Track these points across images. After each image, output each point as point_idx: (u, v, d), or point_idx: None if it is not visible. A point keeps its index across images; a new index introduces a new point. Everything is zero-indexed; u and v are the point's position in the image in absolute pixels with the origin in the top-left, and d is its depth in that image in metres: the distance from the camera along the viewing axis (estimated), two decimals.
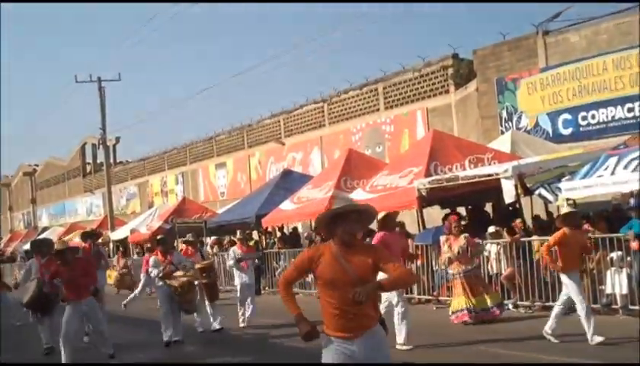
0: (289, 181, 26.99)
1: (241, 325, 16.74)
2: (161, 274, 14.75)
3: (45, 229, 61.61)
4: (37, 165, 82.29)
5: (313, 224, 25.99)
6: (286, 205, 24.34)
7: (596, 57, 22.84)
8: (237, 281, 17.18)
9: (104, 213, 53.33)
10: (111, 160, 54.51)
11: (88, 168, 67.32)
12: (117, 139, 59.34)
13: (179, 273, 14.83)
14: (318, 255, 6.09)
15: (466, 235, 15.07)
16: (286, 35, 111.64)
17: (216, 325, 16.30)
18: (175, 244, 25.07)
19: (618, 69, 22.28)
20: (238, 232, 18.38)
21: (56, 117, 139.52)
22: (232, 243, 27.78)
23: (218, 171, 46.60)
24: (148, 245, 29.44)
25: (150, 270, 15.27)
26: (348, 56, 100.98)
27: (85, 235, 19.32)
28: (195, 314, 15.93)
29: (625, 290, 14.09)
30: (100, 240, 21.51)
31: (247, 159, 43.25)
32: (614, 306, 14.26)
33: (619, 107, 22.42)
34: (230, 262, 17.43)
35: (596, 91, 22.90)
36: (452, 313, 14.88)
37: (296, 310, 6.01)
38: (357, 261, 5.90)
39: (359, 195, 21.19)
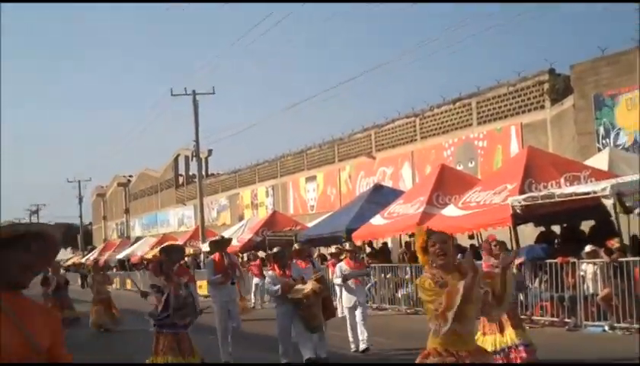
0: (381, 196, 26.86)
1: (353, 350, 15.00)
2: (279, 293, 13.04)
3: (138, 238, 62.79)
4: (131, 176, 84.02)
5: (404, 240, 25.84)
6: (377, 220, 24.24)
7: None
8: (344, 302, 15.61)
9: (195, 225, 54.04)
10: (203, 172, 55.31)
11: (181, 179, 68.38)
12: (210, 152, 60.27)
13: (299, 286, 13.10)
14: None
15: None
16: (377, 49, 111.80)
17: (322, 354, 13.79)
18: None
19: None
20: (348, 244, 17.02)
21: (151, 130, 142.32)
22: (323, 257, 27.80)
23: (308, 185, 46.74)
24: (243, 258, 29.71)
25: (267, 286, 13.66)
26: (441, 71, 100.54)
27: (214, 245, 16.09)
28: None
29: None
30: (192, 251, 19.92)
31: (337, 173, 43.27)
32: None
33: None
34: (337, 280, 15.47)
35: None
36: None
37: None
38: (37, 322, 3.69)
39: (451, 211, 20.99)
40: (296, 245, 16.48)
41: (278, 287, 12.95)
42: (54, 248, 4.00)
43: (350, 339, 15.05)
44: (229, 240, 17.28)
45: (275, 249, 14.32)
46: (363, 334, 14.82)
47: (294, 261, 14.73)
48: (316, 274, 14.12)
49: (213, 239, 18.55)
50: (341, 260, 16.89)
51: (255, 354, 15.25)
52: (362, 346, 14.79)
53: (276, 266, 13.52)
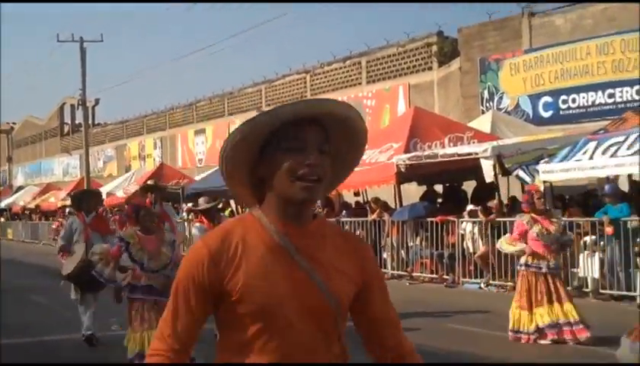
0: None
1: None
2: None
3: (20, 188, 61.25)
4: (15, 123, 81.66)
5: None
6: None
7: (580, 41, 22.86)
8: None
9: (80, 175, 53.08)
10: (90, 121, 54.23)
11: (66, 128, 66.83)
12: (97, 101, 59.06)
13: None
14: (227, 247, 2.48)
15: (559, 216, 11.46)
16: (271, 4, 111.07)
17: None
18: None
19: (601, 55, 22.33)
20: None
21: (36, 76, 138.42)
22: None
23: (197, 138, 46.41)
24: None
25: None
26: (333, 28, 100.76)
27: (146, 189, 13.37)
28: None
29: (596, 274, 14.27)
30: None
31: (227, 127, 43.02)
32: (585, 289, 14.43)
33: (599, 93, 22.49)
34: None
35: (578, 75, 22.96)
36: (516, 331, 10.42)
37: None
38: (335, 260, 2.48)
39: None
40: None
41: None
42: (351, 137, 2.55)
43: None
44: (164, 188, 15.85)
45: (202, 200, 12.23)
46: None
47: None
48: None
49: (145, 184, 16.23)
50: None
51: None
52: None
53: (204, 218, 11.73)
